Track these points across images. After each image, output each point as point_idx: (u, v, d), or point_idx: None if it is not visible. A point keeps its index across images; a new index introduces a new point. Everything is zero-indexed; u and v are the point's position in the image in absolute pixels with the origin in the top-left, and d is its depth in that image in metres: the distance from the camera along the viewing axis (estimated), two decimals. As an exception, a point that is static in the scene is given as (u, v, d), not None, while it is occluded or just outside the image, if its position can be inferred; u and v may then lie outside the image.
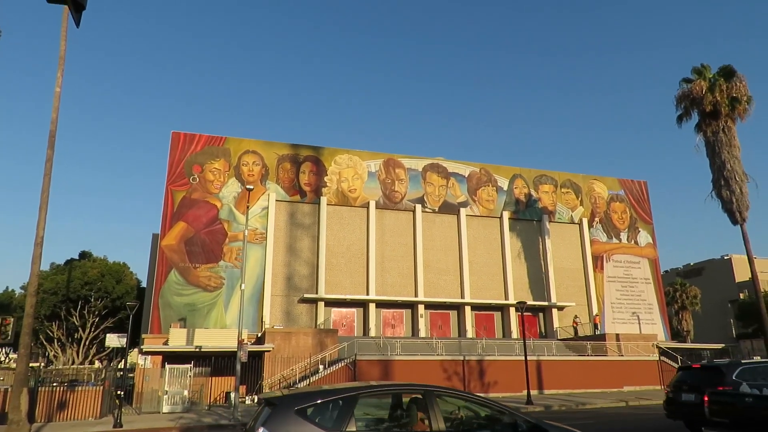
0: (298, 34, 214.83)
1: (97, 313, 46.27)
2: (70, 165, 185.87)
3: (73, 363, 45.18)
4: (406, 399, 6.31)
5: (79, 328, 46.53)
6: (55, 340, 46.93)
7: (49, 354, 48.59)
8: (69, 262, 50.28)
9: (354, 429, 5.50)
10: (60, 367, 38.50)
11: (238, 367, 21.63)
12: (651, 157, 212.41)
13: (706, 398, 11.09)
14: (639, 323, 45.88)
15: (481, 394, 17.95)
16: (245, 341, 22.29)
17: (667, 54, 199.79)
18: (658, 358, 35.53)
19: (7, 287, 65.50)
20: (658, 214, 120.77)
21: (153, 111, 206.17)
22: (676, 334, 54.10)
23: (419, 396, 6.08)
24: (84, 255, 53.50)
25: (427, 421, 5.75)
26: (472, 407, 6.44)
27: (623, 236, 48.79)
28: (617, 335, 38.56)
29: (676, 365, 35.60)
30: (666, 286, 53.95)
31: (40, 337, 48.39)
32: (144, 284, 49.45)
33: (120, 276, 49.26)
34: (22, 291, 50.51)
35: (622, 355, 36.11)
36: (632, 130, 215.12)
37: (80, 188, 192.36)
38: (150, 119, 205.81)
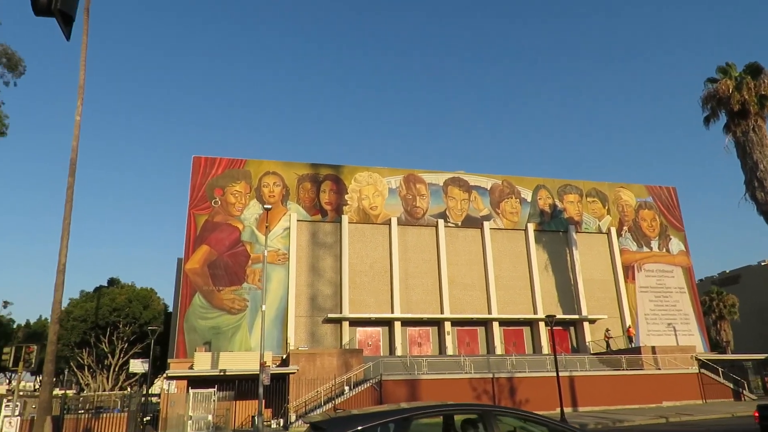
0: (315, 53, 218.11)
1: (125, 339, 46.61)
2: (97, 193, 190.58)
3: (103, 390, 45.49)
4: (458, 420, 5.85)
5: (109, 355, 46.92)
6: (86, 367, 47.40)
7: (81, 381, 49.05)
8: (98, 290, 51.00)
9: None
10: (86, 394, 38.68)
11: (261, 390, 21.27)
12: (678, 162, 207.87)
13: None
14: (675, 334, 44.14)
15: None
16: (267, 364, 21.96)
17: (689, 57, 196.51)
18: (698, 371, 33.97)
19: (40, 316, 66.82)
20: (690, 220, 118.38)
21: (174, 136, 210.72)
22: (714, 345, 51.96)
23: (475, 416, 5.64)
24: (112, 282, 54.23)
25: None
26: (535, 427, 5.93)
27: (654, 244, 47.30)
28: (653, 348, 37.05)
29: (717, 378, 34.02)
30: (701, 296, 52.01)
31: (71, 364, 48.95)
32: (171, 309, 49.76)
33: (147, 301, 49.67)
34: (53, 319, 51.16)
35: (659, 369, 34.63)
36: (657, 136, 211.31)
37: (108, 216, 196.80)
38: (172, 145, 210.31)
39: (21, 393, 32.69)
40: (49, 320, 53.66)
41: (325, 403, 28.78)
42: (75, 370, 48.80)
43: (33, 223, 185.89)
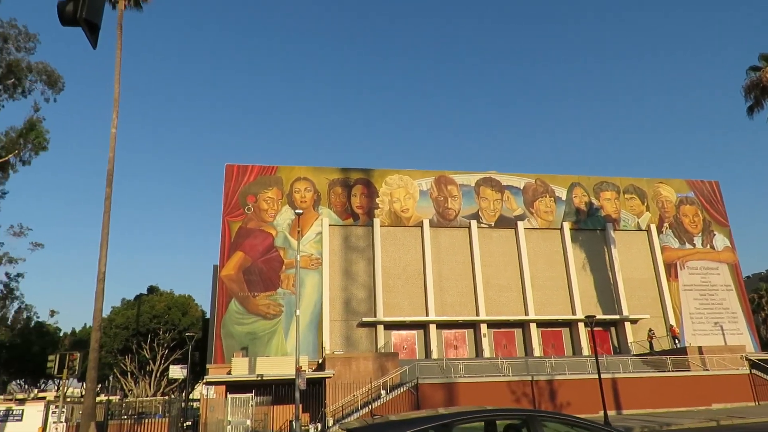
0: (343, 58, 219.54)
1: (165, 345, 47.62)
2: (135, 203, 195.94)
3: (146, 395, 46.53)
4: (500, 425, 5.61)
5: (150, 361, 48.01)
6: (129, 374, 48.62)
7: (124, 387, 50.34)
8: (138, 298, 52.28)
9: None
10: (129, 399, 39.58)
11: (297, 395, 21.28)
12: (721, 156, 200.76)
13: None
14: (723, 334, 42.39)
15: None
16: (303, 369, 21.97)
17: (728, 48, 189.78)
18: (748, 372, 32.47)
19: (85, 324, 68.90)
20: (735, 215, 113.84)
21: (207, 146, 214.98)
22: (765, 344, 49.73)
23: (518, 422, 5.41)
24: (152, 290, 55.51)
25: None
26: None
27: (697, 241, 45.59)
28: (699, 348, 35.60)
29: (770, 378, 32.46)
30: (749, 293, 49.87)
31: (114, 370, 50.29)
32: (208, 315, 50.59)
33: (186, 308, 50.64)
34: (97, 327, 52.73)
35: (706, 370, 33.25)
36: (698, 129, 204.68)
37: (146, 226, 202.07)
38: (205, 154, 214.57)
39: (68, 399, 33.70)
40: (93, 328, 55.36)
41: (361, 408, 28.66)
42: (118, 376, 50.08)
43: (76, 234, 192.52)
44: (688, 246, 45.16)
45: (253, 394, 26.33)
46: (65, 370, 19.98)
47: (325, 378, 30.31)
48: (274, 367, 30.52)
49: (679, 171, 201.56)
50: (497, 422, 5.59)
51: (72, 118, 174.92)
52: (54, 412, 20.47)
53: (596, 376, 27.18)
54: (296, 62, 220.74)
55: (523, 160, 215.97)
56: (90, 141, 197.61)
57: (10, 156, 30.21)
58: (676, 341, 39.47)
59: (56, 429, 19.01)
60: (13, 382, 67.82)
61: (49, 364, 20.31)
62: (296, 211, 24.59)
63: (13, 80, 29.88)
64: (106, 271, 22.40)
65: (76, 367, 20.19)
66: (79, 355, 20.70)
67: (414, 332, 39.23)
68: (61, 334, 63.71)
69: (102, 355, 49.61)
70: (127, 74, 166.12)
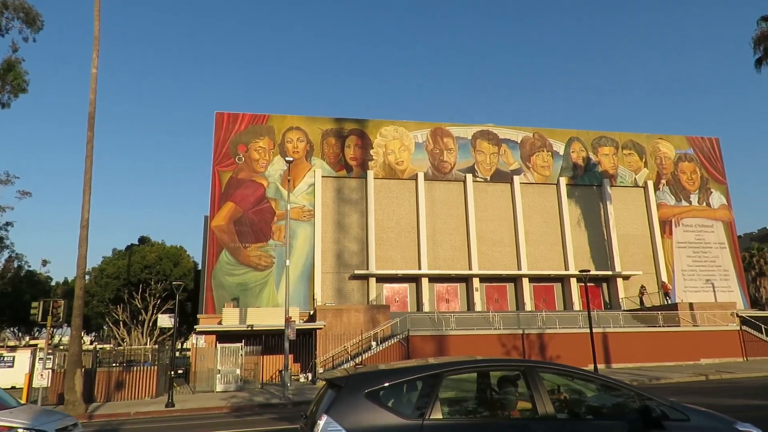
0: (337, 6, 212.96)
1: (157, 295, 47.54)
2: (126, 154, 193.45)
3: (139, 345, 46.76)
4: (494, 377, 5.09)
5: (142, 311, 48.04)
6: (121, 323, 48.73)
7: (117, 336, 50.58)
8: (129, 248, 51.84)
9: (440, 416, 4.40)
10: (117, 348, 39.68)
11: (287, 345, 21.07)
12: (721, 112, 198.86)
13: None
14: (714, 291, 42.59)
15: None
16: (292, 319, 21.69)
17: (733, 3, 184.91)
18: (738, 328, 32.66)
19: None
20: (733, 173, 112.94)
21: (196, 94, 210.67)
22: (754, 302, 50.18)
23: (515, 373, 4.93)
24: (143, 240, 55.03)
25: (529, 404, 4.59)
26: (583, 386, 5.15)
27: (693, 198, 45.19)
28: (690, 304, 35.75)
29: (760, 335, 32.71)
30: (741, 252, 49.92)
31: (107, 320, 50.37)
32: (201, 267, 50.36)
33: (177, 259, 50.29)
34: (87, 277, 52.50)
35: (696, 325, 33.44)
36: (698, 85, 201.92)
37: (138, 177, 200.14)
38: (197, 103, 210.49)
39: (60, 348, 33.68)
40: (87, 278, 55.19)
41: (352, 358, 28.71)
42: (111, 325, 50.20)
43: (68, 185, 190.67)
44: (684, 203, 44.79)
45: (243, 344, 26.18)
46: (49, 317, 19.57)
47: (316, 329, 30.24)
48: (265, 317, 30.38)
49: (679, 127, 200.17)
50: (491, 374, 5.05)
51: (55, 63, 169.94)
52: (41, 359, 20.16)
53: (587, 331, 27.21)
54: (290, 9, 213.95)
55: (522, 113, 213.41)
56: (79, 87, 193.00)
57: (-13, 98, 28.91)
58: (667, 297, 39.64)
59: (41, 376, 18.72)
60: (8, 330, 68.19)
61: (32, 311, 19.91)
62: (287, 159, 23.72)
63: (-13, 16, 28.23)
64: (91, 219, 21.70)
65: (61, 314, 19.79)
66: (63, 302, 20.27)
67: (406, 285, 39.13)
68: (53, 284, 63.60)
69: (94, 305, 49.67)
70: (111, 20, 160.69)
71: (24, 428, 7.30)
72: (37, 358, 21.69)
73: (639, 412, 4.58)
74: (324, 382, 5.11)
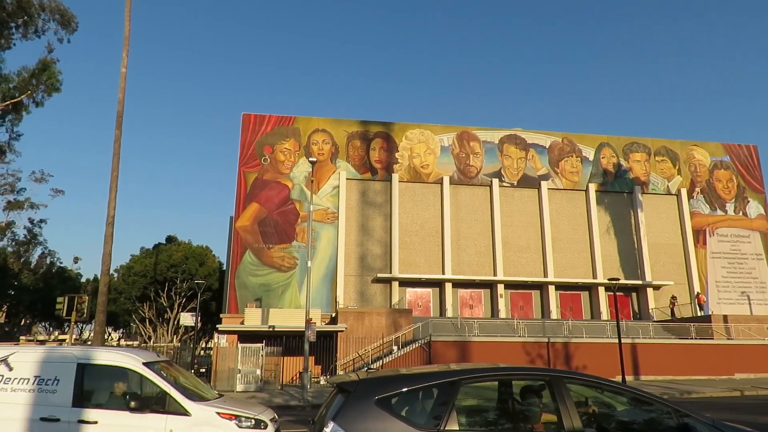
0: (364, 10, 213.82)
1: (182, 294, 48.15)
2: (155, 155, 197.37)
3: (164, 342, 47.39)
4: (517, 386, 4.76)
5: (167, 309, 48.70)
6: (147, 321, 49.49)
7: (143, 334, 51.41)
8: (156, 247, 52.66)
9: (456, 427, 4.08)
10: (144, 345, 40.22)
11: (306, 346, 20.90)
12: (760, 119, 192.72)
13: None
14: (749, 303, 41.01)
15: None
16: (313, 321, 21.53)
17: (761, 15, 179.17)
18: (776, 342, 31.28)
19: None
20: None
21: (224, 96, 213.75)
22: (793, 316, 48.16)
23: (540, 383, 4.57)
24: (170, 239, 55.87)
25: (555, 417, 4.24)
26: (613, 399, 4.77)
27: (729, 207, 43.66)
28: (725, 316, 34.43)
29: (798, 350, 31.25)
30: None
31: (134, 317, 51.23)
32: (225, 267, 50.83)
33: (203, 259, 50.90)
34: (115, 274, 53.60)
35: (731, 339, 32.17)
36: (735, 91, 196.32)
37: (167, 178, 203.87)
38: (222, 104, 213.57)
39: (89, 343, 34.32)
40: (115, 276, 56.37)
41: (373, 362, 28.41)
42: (137, 322, 51.02)
43: (101, 183, 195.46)
44: (719, 212, 43.30)
45: (264, 344, 26.14)
46: (74, 313, 19.80)
47: (337, 332, 30.06)
48: (287, 318, 30.37)
49: (715, 134, 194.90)
50: (513, 383, 4.70)
51: (86, 62, 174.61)
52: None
53: (614, 341, 26.39)
54: (318, 13, 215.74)
55: (551, 118, 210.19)
56: (110, 87, 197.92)
57: (23, 96, 29.70)
58: (701, 309, 38.29)
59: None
60: (39, 325, 70.04)
61: (57, 306, 20.19)
62: (310, 159, 23.64)
63: (24, 18, 29.02)
64: (120, 218, 22.00)
65: (85, 310, 20.03)
66: (87, 298, 20.50)
67: (429, 290, 38.70)
68: (83, 280, 65.05)
69: (121, 302, 50.59)
70: (142, 23, 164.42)
71: (246, 417, 7.29)
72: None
73: (676, 430, 4.18)
74: (333, 387, 4.82)
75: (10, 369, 7.29)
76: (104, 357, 7.42)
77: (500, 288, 38.71)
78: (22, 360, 7.34)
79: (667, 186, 43.34)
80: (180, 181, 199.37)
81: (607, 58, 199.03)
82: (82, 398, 7.11)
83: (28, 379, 7.19)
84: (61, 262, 58.50)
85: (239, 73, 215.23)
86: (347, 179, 39.23)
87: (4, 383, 7.19)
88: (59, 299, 20.45)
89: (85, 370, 7.25)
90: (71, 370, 7.21)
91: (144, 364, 7.39)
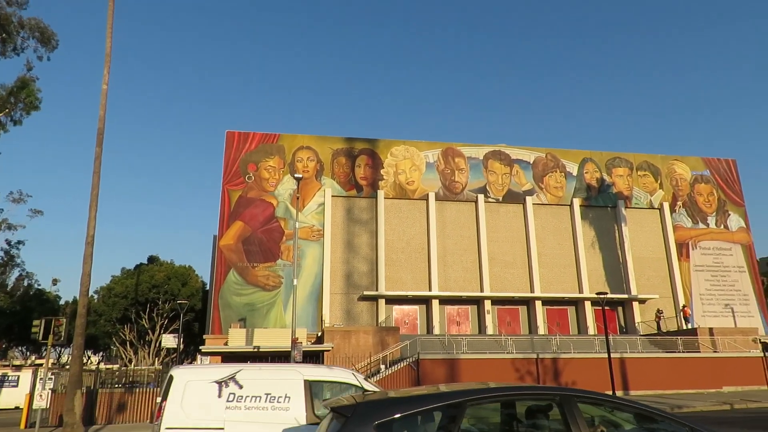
0: (348, 27, 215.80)
1: (165, 315, 47.10)
2: (137, 174, 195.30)
3: (146, 365, 46.17)
4: (521, 407, 4.50)
5: (149, 331, 47.56)
6: (128, 343, 48.24)
7: (124, 357, 50.08)
8: (138, 267, 51.63)
9: None
10: (121, 368, 39.13)
11: (293, 367, 20.37)
12: (738, 133, 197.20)
13: None
14: (733, 316, 41.33)
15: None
16: (299, 340, 21.07)
17: (749, 22, 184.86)
18: (762, 354, 31.44)
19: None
20: (751, 195, 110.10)
21: (207, 114, 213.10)
22: (775, 327, 48.64)
23: (546, 403, 4.33)
24: (152, 259, 54.85)
25: None
26: (621, 417, 4.50)
27: (711, 221, 44.21)
28: (710, 329, 34.57)
29: (784, 362, 31.43)
30: (759, 276, 48.62)
31: (114, 339, 49.94)
32: (209, 287, 49.95)
33: (185, 279, 49.98)
34: (95, 296, 52.35)
35: (717, 352, 32.26)
36: (715, 106, 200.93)
37: (149, 197, 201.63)
38: (206, 122, 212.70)
39: (67, 367, 33.21)
40: (95, 297, 55.07)
41: (360, 382, 27.85)
42: (117, 345, 49.74)
43: (81, 203, 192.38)
44: (701, 225, 43.82)
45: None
46: (50, 336, 19.11)
47: (323, 351, 29.53)
48: (272, 339, 29.78)
49: (696, 148, 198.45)
50: (517, 403, 4.44)
51: (66, 80, 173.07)
52: (41, 379, 19.66)
53: (603, 356, 26.29)
54: (301, 29, 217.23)
55: (534, 134, 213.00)
56: (90, 105, 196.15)
57: (0, 115, 29.08)
58: (687, 322, 38.45)
59: (41, 396, 18.18)
60: (16, 349, 67.94)
61: (33, 329, 19.47)
62: (296, 175, 23.37)
63: (2, 35, 28.56)
64: (101, 238, 21.45)
65: (62, 333, 19.33)
66: (65, 320, 19.81)
67: (416, 307, 38.36)
68: (63, 303, 63.45)
69: (101, 324, 49.32)
70: (124, 40, 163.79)
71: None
72: (38, 378, 21.20)
73: None
74: (329, 410, 4.52)
75: (240, 387, 7.23)
76: (329, 373, 7.60)
77: (487, 304, 38.51)
78: (250, 378, 7.32)
79: (650, 200, 43.80)
80: (162, 200, 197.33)
81: (588, 74, 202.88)
82: (315, 415, 7.07)
83: (260, 397, 7.14)
84: (39, 285, 57.03)
85: (223, 91, 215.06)
86: (332, 196, 38.97)
87: (237, 401, 7.10)
88: (35, 322, 19.73)
89: (312, 387, 7.31)
90: (301, 387, 7.23)
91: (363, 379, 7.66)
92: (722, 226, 44.17)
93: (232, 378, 7.30)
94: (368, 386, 7.50)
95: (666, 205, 43.49)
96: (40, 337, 19.05)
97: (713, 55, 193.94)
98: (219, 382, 7.22)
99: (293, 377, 7.32)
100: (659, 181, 44.43)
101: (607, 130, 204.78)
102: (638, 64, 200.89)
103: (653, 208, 43.68)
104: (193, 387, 7.23)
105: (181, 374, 7.44)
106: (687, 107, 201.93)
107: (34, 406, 19.51)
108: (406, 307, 38.20)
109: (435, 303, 37.85)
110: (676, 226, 43.23)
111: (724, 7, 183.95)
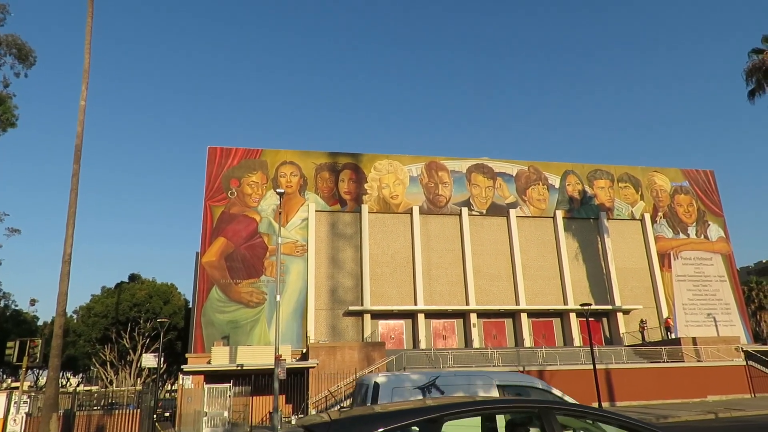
0: (330, 42, 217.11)
1: (146, 334, 46.18)
2: (117, 190, 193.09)
3: (126, 386, 45.08)
4: (501, 420, 4.38)
5: (130, 351, 46.56)
6: (108, 364, 47.15)
7: (104, 378, 48.90)
8: (118, 285, 50.69)
9: None
10: (99, 389, 38.25)
11: (276, 385, 20.06)
12: (716, 144, 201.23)
13: None
14: (716, 325, 41.71)
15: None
16: (283, 357, 20.73)
17: (725, 35, 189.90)
18: (744, 363, 31.71)
19: (65, 313, 67.00)
20: (730, 206, 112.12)
21: (188, 129, 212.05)
22: (757, 336, 49.24)
23: (525, 416, 4.24)
24: (133, 278, 53.92)
25: None
26: (600, 428, 4.39)
27: (691, 231, 44.80)
28: (694, 339, 34.82)
29: (767, 370, 31.75)
30: (740, 285, 49.31)
31: (94, 360, 48.80)
32: (192, 304, 49.18)
33: (168, 297, 49.18)
34: (74, 316, 51.24)
35: (701, 361, 32.46)
36: (693, 118, 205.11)
37: (130, 214, 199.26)
38: (187, 137, 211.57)
39: (43, 390, 32.28)
40: (74, 317, 53.85)
41: (346, 399, 27.52)
42: (97, 366, 48.60)
43: (60, 222, 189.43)
44: (682, 236, 44.36)
45: (231, 384, 25.02)
46: (25, 358, 18.56)
47: (308, 368, 29.13)
48: (256, 356, 29.27)
49: (675, 160, 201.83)
50: (498, 416, 4.34)
51: (44, 97, 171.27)
52: (15, 403, 19.04)
53: (589, 367, 26.27)
54: (283, 44, 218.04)
55: (517, 147, 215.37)
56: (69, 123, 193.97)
57: (-25, 132, 28.50)
58: (669, 332, 38.71)
59: (15, 421, 17.59)
60: (-8, 372, 66.01)
61: (8, 351, 18.88)
62: (278, 190, 23.18)
63: (-22, 52, 28.11)
64: (81, 256, 21.01)
65: (38, 354, 18.77)
66: (41, 341, 19.27)
67: (402, 322, 38.11)
68: (41, 323, 61.98)
69: (81, 344, 48.20)
70: (102, 56, 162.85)
71: None
72: (12, 402, 20.54)
73: None
74: (301, 429, 4.35)
75: (442, 392, 7.71)
76: (518, 378, 8.26)
77: (473, 317, 38.42)
78: (448, 384, 7.85)
79: (631, 211, 44.29)
80: (143, 217, 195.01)
81: (567, 87, 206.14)
82: None
83: None
84: (16, 305, 55.75)
85: (205, 106, 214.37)
86: (316, 211, 38.77)
87: None
88: (9, 344, 19.14)
89: (504, 391, 7.83)
90: (494, 391, 7.74)
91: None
92: (702, 237, 44.77)
93: (433, 384, 7.93)
94: (555, 391, 8.13)
95: (647, 216, 44.01)
96: (14, 359, 18.48)
97: (691, 68, 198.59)
98: (422, 388, 7.88)
99: (486, 382, 7.91)
100: (640, 193, 44.98)
101: (588, 142, 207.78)
102: (618, 77, 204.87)
103: (635, 219, 44.16)
104: (399, 393, 7.77)
105: (387, 382, 8.09)
106: (666, 120, 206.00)
107: (7, 431, 18.88)
108: (391, 322, 37.94)
109: (421, 317, 37.65)
110: (658, 236, 43.71)
111: (701, 23, 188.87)
